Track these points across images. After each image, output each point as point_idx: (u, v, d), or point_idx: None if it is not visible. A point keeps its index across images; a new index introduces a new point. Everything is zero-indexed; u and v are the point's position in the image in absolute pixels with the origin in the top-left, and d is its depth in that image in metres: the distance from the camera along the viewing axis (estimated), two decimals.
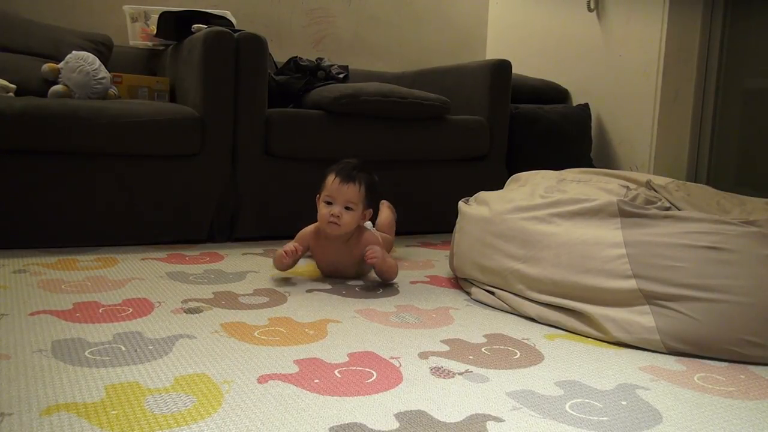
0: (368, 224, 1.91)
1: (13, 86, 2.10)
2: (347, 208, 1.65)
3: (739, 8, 2.71)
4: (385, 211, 2.13)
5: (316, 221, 1.72)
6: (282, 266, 1.72)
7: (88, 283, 1.61)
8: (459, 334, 1.32)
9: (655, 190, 1.61)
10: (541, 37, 3.33)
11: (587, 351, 1.25)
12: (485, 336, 1.32)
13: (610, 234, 1.35)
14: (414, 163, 2.55)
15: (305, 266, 1.89)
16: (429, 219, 2.58)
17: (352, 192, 1.65)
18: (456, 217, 1.83)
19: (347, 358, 1.15)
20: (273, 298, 1.55)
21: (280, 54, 2.69)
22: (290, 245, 1.69)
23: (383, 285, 1.73)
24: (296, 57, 2.54)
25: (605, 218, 1.39)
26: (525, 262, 1.47)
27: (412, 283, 1.77)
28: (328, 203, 1.66)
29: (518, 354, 1.22)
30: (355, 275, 1.78)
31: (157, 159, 2.10)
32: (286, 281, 1.72)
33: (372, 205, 1.72)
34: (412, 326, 1.37)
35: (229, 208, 2.24)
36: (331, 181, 1.67)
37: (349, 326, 1.35)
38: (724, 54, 2.75)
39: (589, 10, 3.03)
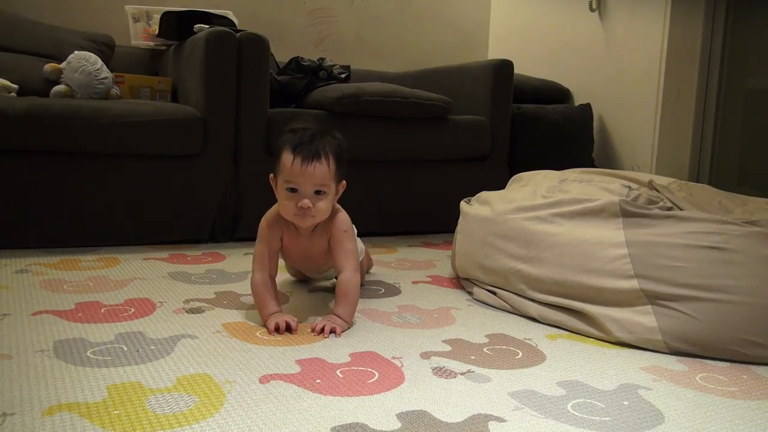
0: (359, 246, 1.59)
1: (15, 86, 2.10)
2: (318, 192, 1.32)
3: (741, 8, 2.70)
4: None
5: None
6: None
7: (90, 283, 1.61)
8: (461, 334, 1.32)
9: (657, 190, 1.60)
10: (543, 37, 3.32)
11: (589, 351, 1.25)
12: (487, 336, 1.32)
13: (611, 234, 1.35)
14: (416, 163, 2.55)
15: None
16: (430, 219, 2.58)
17: (321, 172, 1.30)
18: (458, 217, 1.82)
19: (349, 358, 1.15)
20: None
21: (281, 54, 2.69)
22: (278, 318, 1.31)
23: (385, 285, 1.72)
24: (298, 57, 2.54)
25: (607, 218, 1.38)
26: (527, 262, 1.47)
27: (414, 283, 1.77)
28: (292, 190, 1.31)
29: (520, 354, 1.22)
30: (324, 266, 1.52)
31: (159, 159, 2.11)
32: (288, 281, 1.72)
33: (344, 176, 1.39)
34: (413, 326, 1.37)
35: (231, 208, 2.24)
36: (290, 162, 1.29)
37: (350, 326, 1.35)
38: (726, 54, 2.74)
39: (591, 10, 3.02)
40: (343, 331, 1.30)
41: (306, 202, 1.29)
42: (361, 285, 1.64)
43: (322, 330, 1.28)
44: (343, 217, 1.43)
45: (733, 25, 2.73)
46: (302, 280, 1.73)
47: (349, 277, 1.37)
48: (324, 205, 1.33)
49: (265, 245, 1.41)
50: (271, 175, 1.37)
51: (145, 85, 2.39)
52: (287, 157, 1.30)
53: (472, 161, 2.66)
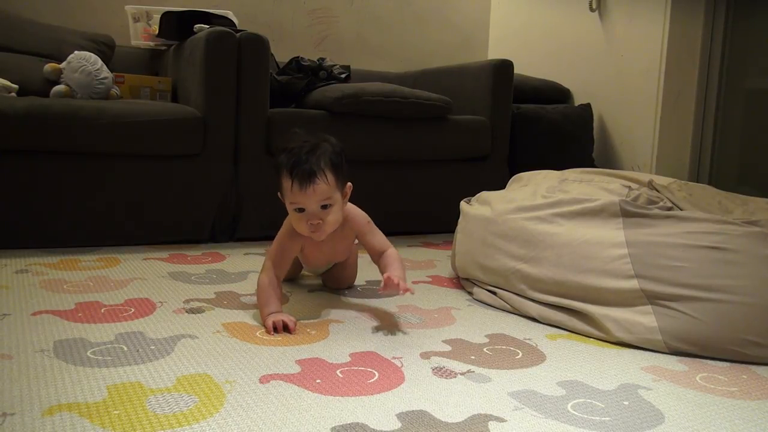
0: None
1: (15, 86, 2.10)
2: (324, 206, 1.34)
3: (741, 8, 2.70)
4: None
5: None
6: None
7: (90, 283, 1.61)
8: (461, 334, 1.32)
9: (657, 190, 1.60)
10: (543, 37, 3.32)
11: (589, 351, 1.25)
12: (487, 336, 1.32)
13: (612, 234, 1.35)
14: (416, 163, 2.55)
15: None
16: (431, 219, 2.58)
17: (322, 190, 1.31)
18: (458, 217, 1.82)
19: (349, 358, 1.15)
20: None
21: (281, 54, 2.69)
22: (279, 318, 1.31)
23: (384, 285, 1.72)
24: (298, 57, 2.54)
25: (607, 218, 1.38)
26: (527, 262, 1.47)
27: (414, 283, 1.76)
28: (299, 210, 1.34)
29: (520, 354, 1.22)
30: (346, 258, 1.59)
31: (159, 159, 2.11)
32: (288, 281, 1.72)
33: (347, 179, 1.40)
34: (414, 326, 1.37)
35: (231, 208, 2.24)
36: (290, 186, 1.32)
37: (350, 326, 1.35)
38: (726, 54, 2.74)
39: (591, 10, 3.02)
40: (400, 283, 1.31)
41: (315, 220, 1.34)
42: (350, 287, 1.67)
43: (397, 285, 1.30)
44: (358, 211, 1.51)
45: (733, 25, 2.73)
46: (291, 279, 1.72)
47: (394, 252, 1.47)
48: (333, 217, 1.36)
49: (281, 249, 1.45)
50: (279, 193, 1.39)
51: (145, 85, 2.39)
52: (286, 182, 1.33)
53: (472, 161, 2.66)
